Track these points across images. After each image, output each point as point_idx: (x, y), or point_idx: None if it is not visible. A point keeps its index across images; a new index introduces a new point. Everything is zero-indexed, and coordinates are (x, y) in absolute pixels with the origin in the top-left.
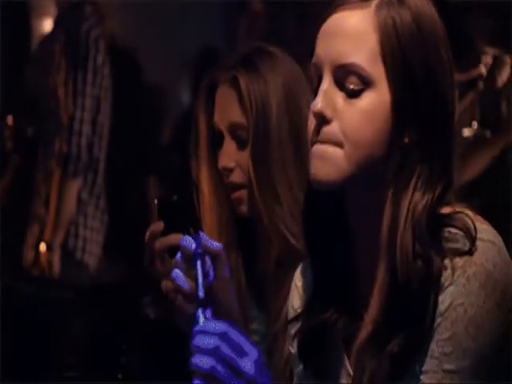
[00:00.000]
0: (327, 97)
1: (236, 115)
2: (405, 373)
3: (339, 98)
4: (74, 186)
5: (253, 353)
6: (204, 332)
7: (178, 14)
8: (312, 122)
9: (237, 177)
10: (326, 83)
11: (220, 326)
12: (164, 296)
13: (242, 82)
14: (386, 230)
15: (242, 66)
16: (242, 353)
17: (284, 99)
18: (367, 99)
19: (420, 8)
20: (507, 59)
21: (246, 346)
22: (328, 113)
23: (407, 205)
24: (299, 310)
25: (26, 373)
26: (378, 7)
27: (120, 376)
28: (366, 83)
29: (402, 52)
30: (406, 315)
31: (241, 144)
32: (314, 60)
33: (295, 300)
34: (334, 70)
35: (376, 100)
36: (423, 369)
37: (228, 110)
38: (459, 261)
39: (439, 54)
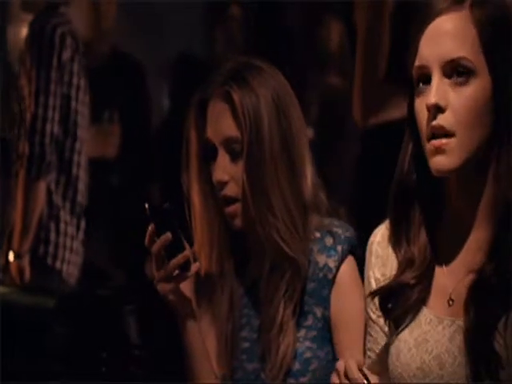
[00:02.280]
0: (439, 90)
1: (230, 129)
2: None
3: (448, 88)
4: (40, 188)
5: None
6: None
7: (158, 19)
8: (424, 117)
9: (231, 190)
10: (436, 79)
11: None
12: (148, 304)
13: (235, 97)
14: (488, 194)
15: (234, 81)
16: None
17: (275, 112)
18: (473, 86)
19: (503, 5)
20: None
21: None
22: (442, 103)
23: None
24: (379, 276)
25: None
26: (471, 7)
27: None
28: (471, 72)
29: (497, 41)
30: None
31: (234, 157)
32: (418, 63)
33: (377, 268)
34: (442, 66)
35: (480, 86)
36: None
37: (221, 125)
38: None
39: None
